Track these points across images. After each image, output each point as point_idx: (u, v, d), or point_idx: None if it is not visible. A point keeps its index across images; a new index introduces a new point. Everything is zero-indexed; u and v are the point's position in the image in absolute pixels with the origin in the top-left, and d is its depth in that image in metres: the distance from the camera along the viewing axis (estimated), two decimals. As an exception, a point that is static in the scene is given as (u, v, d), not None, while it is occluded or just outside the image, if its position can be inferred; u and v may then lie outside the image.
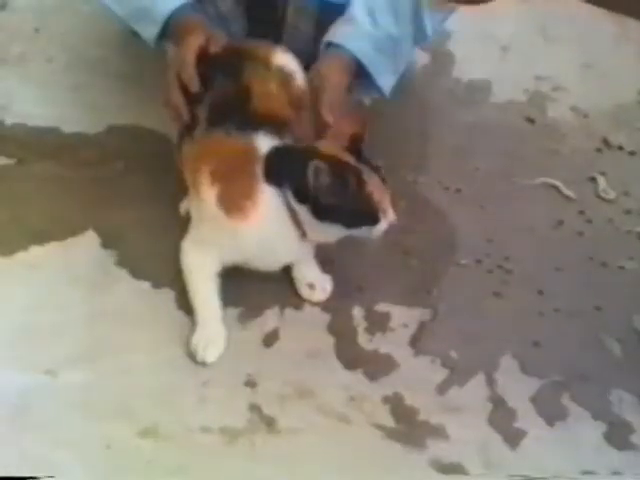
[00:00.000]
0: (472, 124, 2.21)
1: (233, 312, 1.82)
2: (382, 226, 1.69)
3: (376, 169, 1.68)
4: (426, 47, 2.36)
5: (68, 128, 2.13)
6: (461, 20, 2.42)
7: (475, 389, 1.76)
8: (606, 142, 2.18)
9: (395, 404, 1.72)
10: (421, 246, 1.95)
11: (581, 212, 2.05)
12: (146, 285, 1.85)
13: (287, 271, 1.86)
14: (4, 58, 2.28)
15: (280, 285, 1.86)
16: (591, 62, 2.38)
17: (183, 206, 1.95)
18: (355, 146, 1.68)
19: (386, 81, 1.92)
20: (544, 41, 2.45)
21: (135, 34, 2.02)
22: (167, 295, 1.83)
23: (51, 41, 2.34)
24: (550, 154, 2.16)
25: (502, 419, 1.71)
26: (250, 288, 1.83)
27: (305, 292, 1.85)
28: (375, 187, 1.65)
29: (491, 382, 1.76)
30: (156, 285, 1.85)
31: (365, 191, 1.63)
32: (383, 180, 1.68)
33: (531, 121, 2.22)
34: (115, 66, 2.28)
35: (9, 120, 2.13)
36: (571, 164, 2.14)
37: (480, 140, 2.17)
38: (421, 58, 2.36)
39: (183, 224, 1.88)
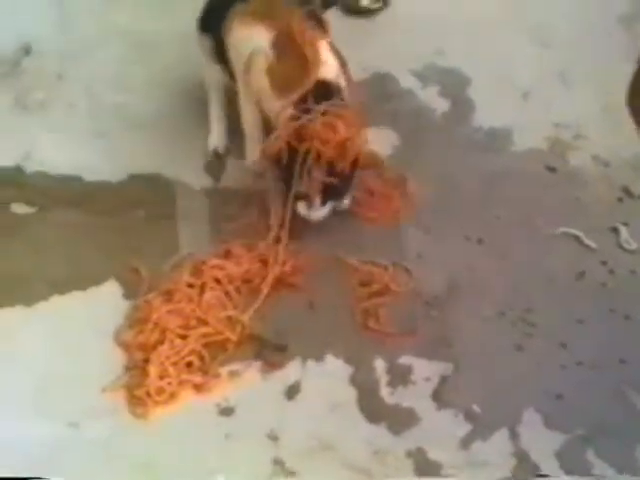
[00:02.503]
0: (493, 172, 2.20)
1: (255, 364, 1.81)
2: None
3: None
4: (446, 94, 2.37)
5: (89, 176, 2.14)
6: (480, 66, 2.44)
7: (499, 443, 1.74)
8: (627, 191, 2.17)
9: (419, 458, 1.71)
10: (442, 297, 1.94)
11: (603, 263, 2.03)
12: (167, 337, 1.85)
13: (308, 322, 1.88)
14: (26, 105, 2.30)
15: (301, 337, 1.86)
16: (611, 108, 2.36)
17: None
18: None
19: None
20: (564, 87, 2.44)
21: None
22: (189, 347, 1.83)
23: (73, 87, 2.36)
24: (571, 203, 2.14)
25: (526, 474, 1.70)
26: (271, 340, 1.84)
27: (302, 209, 1.91)
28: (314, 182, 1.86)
29: (514, 436, 1.75)
30: (178, 337, 1.85)
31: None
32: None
33: (552, 170, 2.21)
34: (136, 113, 2.29)
35: (30, 168, 2.15)
36: (592, 213, 2.13)
37: (501, 188, 2.16)
38: (441, 105, 2.35)
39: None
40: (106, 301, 1.91)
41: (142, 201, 2.09)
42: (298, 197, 1.91)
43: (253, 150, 2.03)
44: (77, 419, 1.73)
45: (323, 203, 1.92)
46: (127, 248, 2.00)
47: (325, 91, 1.88)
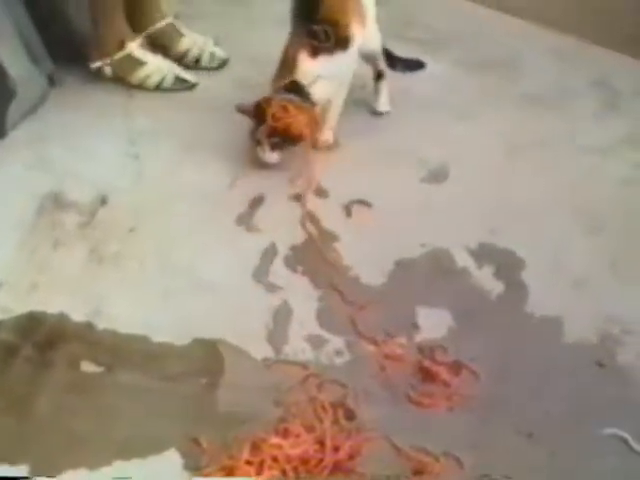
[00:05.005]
0: (544, 362, 2.24)
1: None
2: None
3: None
4: (501, 275, 2.45)
5: (155, 336, 2.21)
6: (532, 249, 2.52)
7: None
8: (676, 397, 2.21)
9: None
10: None
11: (650, 470, 2.07)
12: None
13: None
14: (101, 256, 2.39)
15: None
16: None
17: None
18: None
19: None
20: (615, 278, 2.50)
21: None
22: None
23: (144, 242, 2.45)
24: (619, 403, 2.17)
25: None
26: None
27: (260, 153, 2.72)
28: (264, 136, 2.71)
29: None
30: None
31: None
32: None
33: (601, 365, 2.26)
34: (203, 273, 2.38)
35: (101, 325, 2.22)
36: (640, 415, 2.17)
37: (551, 381, 2.20)
38: (496, 287, 2.42)
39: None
40: (166, 471, 1.95)
41: (204, 368, 2.15)
42: (257, 143, 2.71)
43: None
44: None
45: (272, 151, 2.71)
46: (188, 417, 2.05)
47: (294, 87, 2.70)
